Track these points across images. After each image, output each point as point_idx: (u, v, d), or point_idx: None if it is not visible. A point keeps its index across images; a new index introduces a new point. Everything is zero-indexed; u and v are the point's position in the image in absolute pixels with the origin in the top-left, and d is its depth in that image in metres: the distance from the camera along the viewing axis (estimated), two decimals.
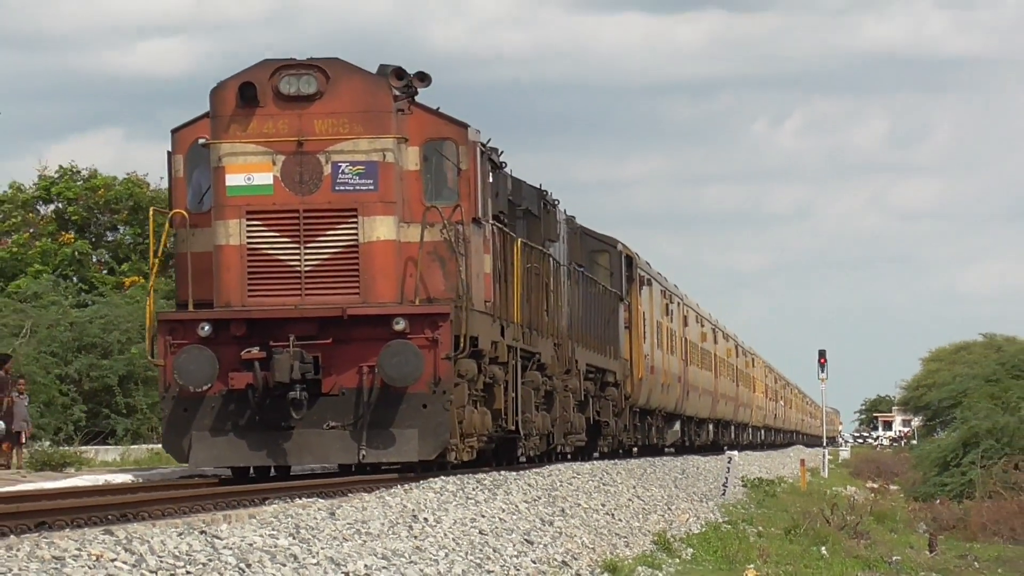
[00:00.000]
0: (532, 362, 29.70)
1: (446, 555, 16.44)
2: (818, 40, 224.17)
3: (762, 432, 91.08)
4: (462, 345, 22.65)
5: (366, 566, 14.41)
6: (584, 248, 38.97)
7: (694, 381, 59.09)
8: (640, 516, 27.69)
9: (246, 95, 22.29)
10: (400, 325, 22.09)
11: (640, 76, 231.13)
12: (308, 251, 22.43)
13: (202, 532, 13.57)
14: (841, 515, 37.15)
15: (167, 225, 23.94)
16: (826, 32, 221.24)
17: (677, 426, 55.56)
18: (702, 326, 65.11)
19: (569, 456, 36.00)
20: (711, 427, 66.94)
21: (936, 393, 75.65)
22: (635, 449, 47.17)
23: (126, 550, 12.01)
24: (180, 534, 13.32)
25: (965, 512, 41.01)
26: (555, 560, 19.37)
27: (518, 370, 27.94)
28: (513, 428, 27.63)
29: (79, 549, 11.64)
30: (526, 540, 19.59)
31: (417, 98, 24.18)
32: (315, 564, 13.72)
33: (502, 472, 26.40)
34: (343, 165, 22.46)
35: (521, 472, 27.01)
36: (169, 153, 23.92)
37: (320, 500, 18.39)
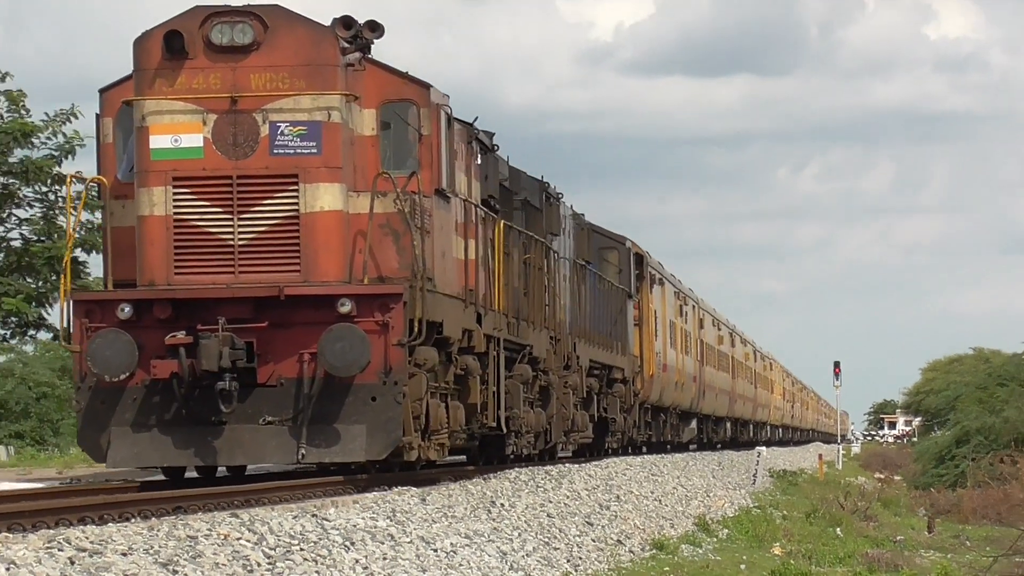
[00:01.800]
0: (522, 355, 26.30)
1: (519, 535, 17.92)
2: (833, 99, 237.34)
3: (780, 430, 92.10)
4: (417, 330, 19.10)
5: (452, 544, 15.63)
6: (593, 245, 36.22)
7: (711, 381, 57.58)
8: (683, 502, 29.57)
9: (173, 46, 18.70)
10: (346, 307, 18.54)
11: (682, 130, 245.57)
12: (242, 223, 18.91)
13: (313, 515, 14.59)
14: (853, 501, 40.04)
15: (84, 194, 20.74)
16: (840, 93, 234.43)
17: (694, 424, 54.38)
18: (719, 329, 63.36)
19: (573, 454, 34.02)
20: (728, 425, 65.85)
21: (933, 398, 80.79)
22: (644, 447, 44.17)
23: (249, 530, 13.00)
24: (295, 517, 14.30)
25: (958, 499, 43.55)
26: (611, 539, 20.99)
27: (500, 362, 24.47)
28: (495, 425, 24.22)
29: (210, 529, 12.57)
30: (587, 522, 21.23)
31: (380, 58, 20.65)
32: (408, 542, 14.91)
33: (567, 464, 28.85)
34: (282, 125, 18.90)
35: (583, 464, 29.17)
36: (97, 116, 20.54)
37: (413, 488, 19.09)
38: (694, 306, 55.64)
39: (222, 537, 12.68)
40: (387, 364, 18.81)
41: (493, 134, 25.39)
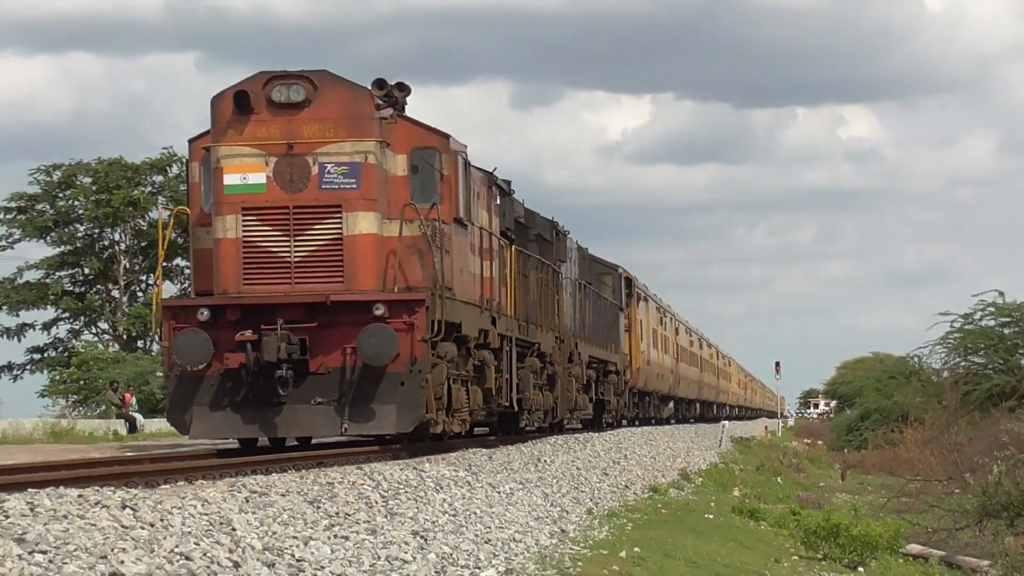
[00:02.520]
0: (531, 350, 24.41)
1: (557, 482, 18.39)
2: (775, 180, 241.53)
3: (736, 409, 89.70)
4: (437, 329, 17.65)
5: (510, 488, 16.05)
6: (593, 271, 34.59)
7: (684, 374, 55.72)
8: (671, 459, 30.42)
9: (241, 103, 17.35)
10: (379, 310, 17.12)
11: (670, 201, 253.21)
12: (297, 244, 17.45)
13: (414, 468, 15.26)
14: (789, 459, 42.20)
15: (172, 222, 19.43)
16: (780, 176, 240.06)
17: (671, 405, 52.26)
18: (690, 336, 60.74)
19: (580, 427, 32.27)
20: (698, 405, 63.58)
21: (845, 387, 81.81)
22: (637, 422, 42.49)
23: (370, 479, 13.57)
24: (401, 469, 14.94)
25: (863, 457, 44.92)
26: (621, 484, 21.53)
27: (512, 355, 22.85)
28: (508, 404, 22.58)
29: (342, 478, 13.15)
30: (604, 473, 21.96)
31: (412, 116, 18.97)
32: (480, 487, 15.41)
33: (590, 433, 29.92)
34: (329, 166, 17.42)
35: (602, 433, 30.98)
36: (186, 161, 19.71)
37: (483, 449, 19.74)
38: (671, 318, 53.43)
39: (351, 483, 13.17)
40: (413, 356, 17.38)
41: (510, 182, 23.75)
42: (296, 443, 20.85)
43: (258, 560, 8.86)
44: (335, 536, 10.57)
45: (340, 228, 17.52)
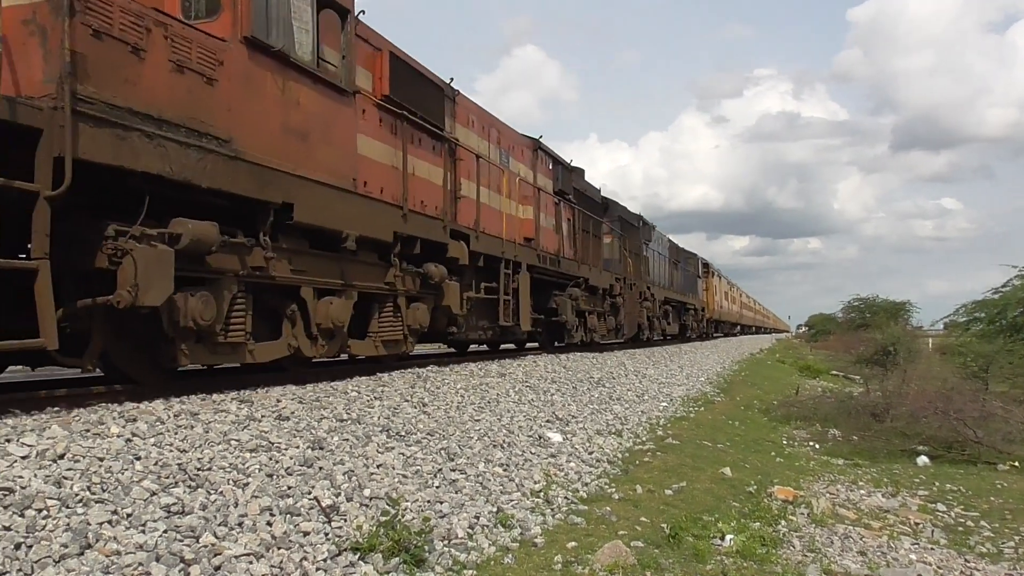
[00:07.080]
0: (575, 282, 22.24)
1: (714, 352, 34.14)
2: (782, 258, 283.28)
3: (767, 330, 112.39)
4: (70, 175, 7.64)
5: (686, 361, 27.31)
6: (681, 255, 39.86)
7: (741, 312, 73.50)
8: (736, 352, 40.26)
9: None
10: None
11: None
12: None
13: (648, 356, 25.12)
14: (792, 344, 73.56)
15: None
16: (784, 254, 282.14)
17: (739, 328, 70.70)
18: (743, 296, 78.54)
19: (664, 339, 36.90)
20: (752, 328, 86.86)
21: (813, 320, 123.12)
22: (716, 335, 54.38)
23: (647, 357, 24.38)
24: (644, 357, 24.41)
25: (817, 345, 79.02)
26: (739, 354, 37.10)
27: (521, 279, 21.18)
28: (508, 323, 20.17)
29: (642, 353, 24.67)
30: (734, 351, 39.77)
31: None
32: (673, 358, 27.05)
33: (684, 344, 38.49)
34: None
35: (693, 343, 41.56)
36: None
37: (553, 354, 20.98)
38: (735, 286, 71.67)
39: (630, 355, 24.99)
40: None
41: (571, 161, 23.28)
42: None
43: (633, 373, 19.19)
44: (655, 364, 22.96)
45: None
